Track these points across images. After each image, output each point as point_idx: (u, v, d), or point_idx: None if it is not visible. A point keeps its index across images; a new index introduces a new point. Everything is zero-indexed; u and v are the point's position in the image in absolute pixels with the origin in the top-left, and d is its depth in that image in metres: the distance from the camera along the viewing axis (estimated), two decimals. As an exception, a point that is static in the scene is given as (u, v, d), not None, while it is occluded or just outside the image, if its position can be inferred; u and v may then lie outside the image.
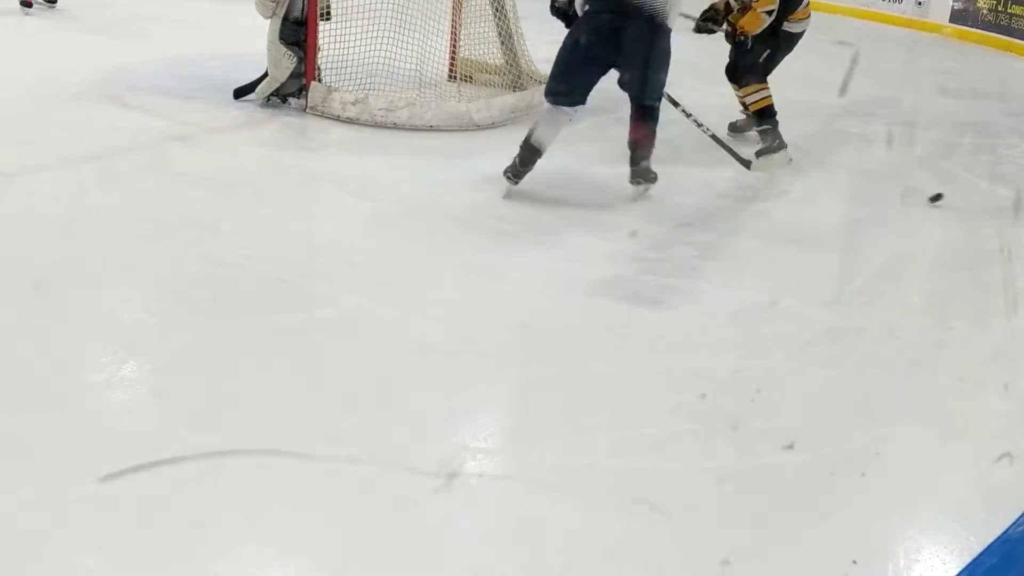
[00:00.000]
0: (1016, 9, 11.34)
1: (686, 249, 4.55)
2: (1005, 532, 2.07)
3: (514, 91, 6.82)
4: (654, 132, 5.13)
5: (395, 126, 6.04)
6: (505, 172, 4.92)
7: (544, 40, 8.34)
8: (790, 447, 2.81)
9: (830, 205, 5.48)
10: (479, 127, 6.23)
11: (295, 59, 6.13)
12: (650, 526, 2.45)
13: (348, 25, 6.53)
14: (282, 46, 6.13)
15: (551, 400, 3.08)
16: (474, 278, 4.01)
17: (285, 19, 6.12)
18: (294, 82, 6.20)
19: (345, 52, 6.41)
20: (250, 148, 5.59)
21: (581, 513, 2.49)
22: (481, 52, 7.05)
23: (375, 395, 3.00)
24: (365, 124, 6.03)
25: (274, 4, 6.11)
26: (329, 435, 2.74)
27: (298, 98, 6.26)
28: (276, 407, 2.88)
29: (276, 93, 6.25)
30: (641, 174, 5.06)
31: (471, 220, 4.66)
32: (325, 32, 6.26)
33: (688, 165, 5.88)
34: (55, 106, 5.96)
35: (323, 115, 6.12)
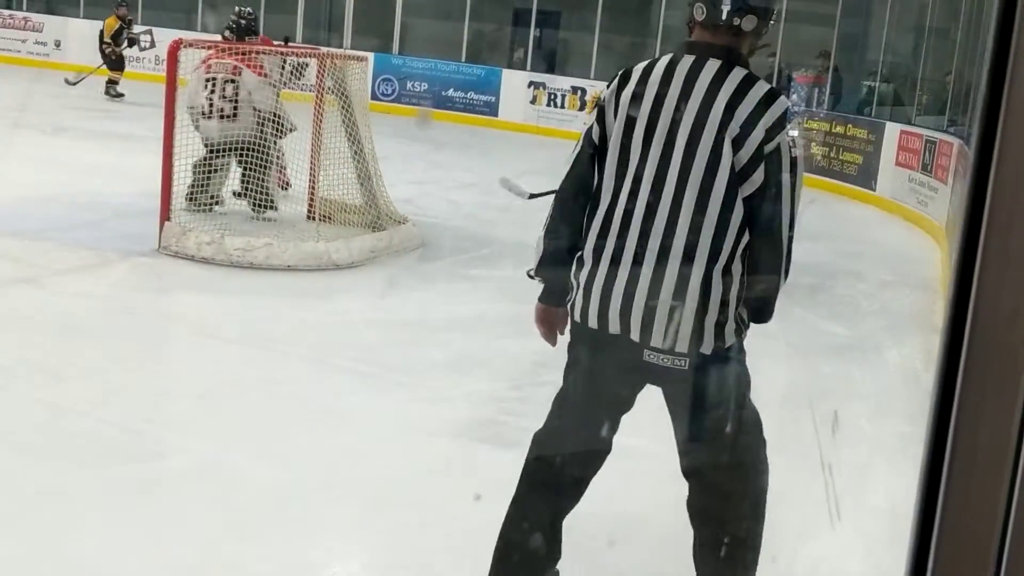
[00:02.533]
0: (847, 156, 12.17)
1: (544, 388, 4.60)
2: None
3: (373, 231, 6.88)
4: None
5: (252, 266, 5.99)
6: None
7: (402, 180, 8.53)
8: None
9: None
10: (338, 267, 6.24)
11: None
12: None
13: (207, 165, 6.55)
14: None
15: (410, 548, 3.03)
16: (333, 422, 3.96)
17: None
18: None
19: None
20: (100, 289, 5.45)
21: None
22: (340, 192, 7.12)
23: (227, 553, 2.90)
24: (221, 264, 5.96)
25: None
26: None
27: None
28: (120, 570, 2.74)
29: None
30: None
31: (332, 361, 4.63)
32: (180, 171, 6.25)
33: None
34: None
35: (177, 255, 6.03)
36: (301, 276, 6.02)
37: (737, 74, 2.28)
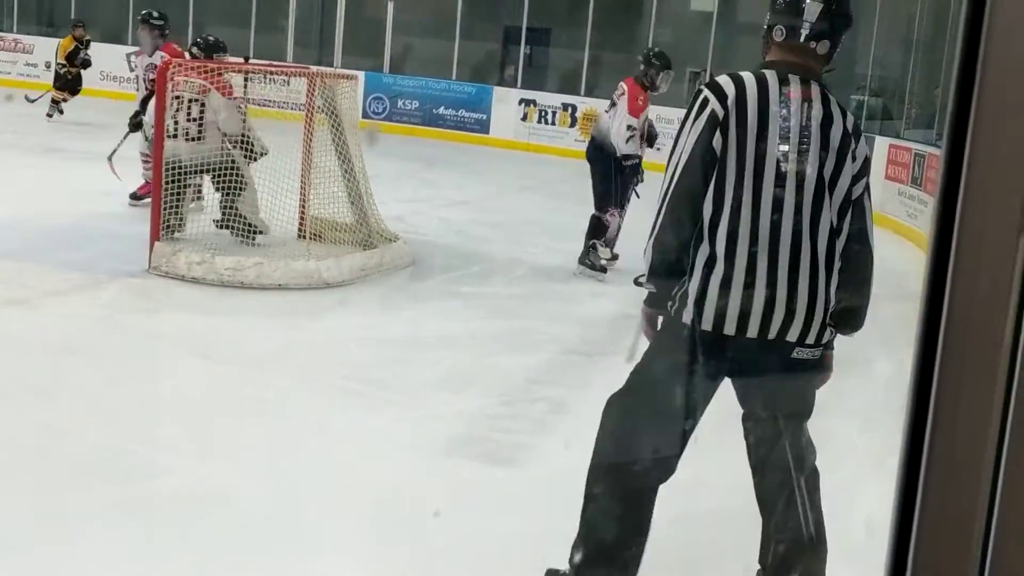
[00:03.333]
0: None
1: (536, 405, 4.61)
2: None
3: (364, 249, 6.89)
4: None
5: (242, 285, 5.99)
6: None
7: (393, 198, 8.55)
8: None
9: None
10: (329, 285, 6.24)
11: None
12: None
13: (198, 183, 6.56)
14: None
15: (403, 566, 3.03)
16: (325, 441, 3.95)
17: None
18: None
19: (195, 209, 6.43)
20: (91, 310, 5.44)
21: None
22: (331, 211, 7.13)
23: (220, 572, 2.89)
24: (211, 284, 5.96)
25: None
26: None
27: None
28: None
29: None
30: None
31: (323, 380, 4.63)
32: (170, 191, 6.26)
33: (533, 319, 6.01)
34: None
35: (167, 275, 6.03)
36: (292, 295, 6.02)
37: (824, 93, 2.53)
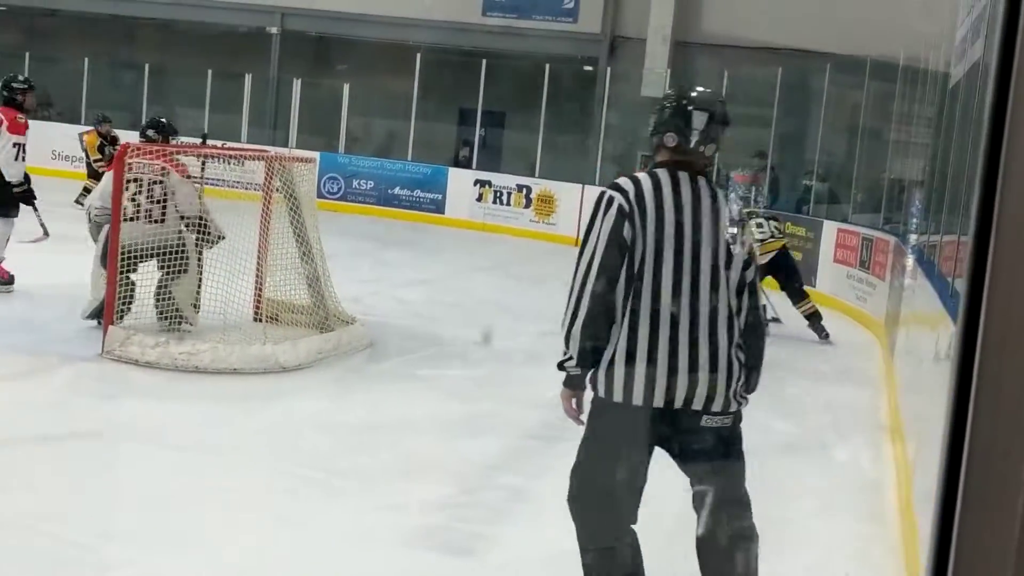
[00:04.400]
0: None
1: (496, 493, 4.58)
2: None
3: (321, 332, 6.84)
4: None
5: (197, 370, 5.91)
6: None
7: (350, 278, 8.54)
8: None
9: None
10: (285, 369, 6.18)
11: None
12: None
13: (150, 266, 6.49)
14: (101, 268, 6.26)
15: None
16: (283, 533, 3.89)
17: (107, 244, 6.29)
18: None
19: (146, 294, 6.36)
20: (41, 395, 5.35)
21: None
22: (287, 293, 7.10)
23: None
24: (166, 368, 5.88)
25: (98, 228, 6.38)
26: None
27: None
28: None
29: (97, 314, 6.34)
30: None
31: (280, 468, 4.56)
32: (124, 274, 6.21)
33: (492, 402, 6.00)
34: None
35: (120, 359, 5.94)
36: (248, 379, 5.95)
37: (712, 188, 2.86)
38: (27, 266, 8.09)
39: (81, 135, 14.05)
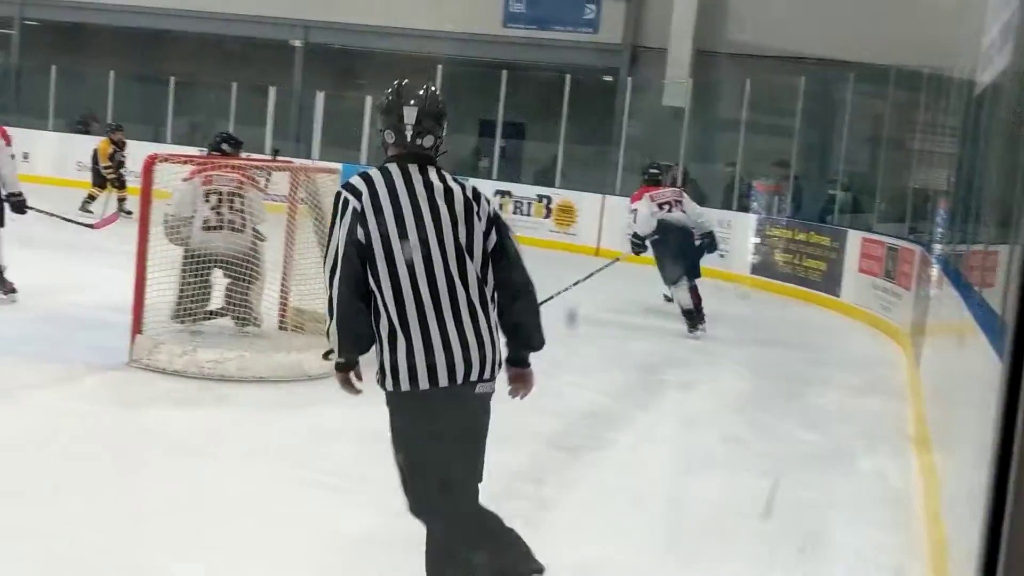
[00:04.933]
0: (810, 263, 12.38)
1: (520, 503, 4.57)
2: None
3: (345, 341, 6.87)
4: None
5: (224, 378, 5.95)
6: None
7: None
8: None
9: (654, 458, 5.63)
10: (311, 377, 6.21)
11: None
12: None
13: (174, 276, 6.55)
14: (183, 274, 6.67)
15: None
16: (311, 540, 3.90)
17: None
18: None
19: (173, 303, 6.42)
20: (69, 404, 5.39)
21: None
22: (312, 302, 7.14)
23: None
24: (193, 377, 5.92)
25: (176, 235, 6.70)
26: None
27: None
28: None
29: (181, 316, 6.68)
30: None
31: (306, 475, 4.58)
32: (153, 283, 6.25)
33: (513, 413, 5.98)
34: None
35: (148, 368, 5.99)
36: (274, 388, 5.98)
37: (440, 173, 3.05)
38: (61, 279, 8.18)
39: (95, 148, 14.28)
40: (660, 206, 9.10)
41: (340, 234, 2.92)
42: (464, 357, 2.93)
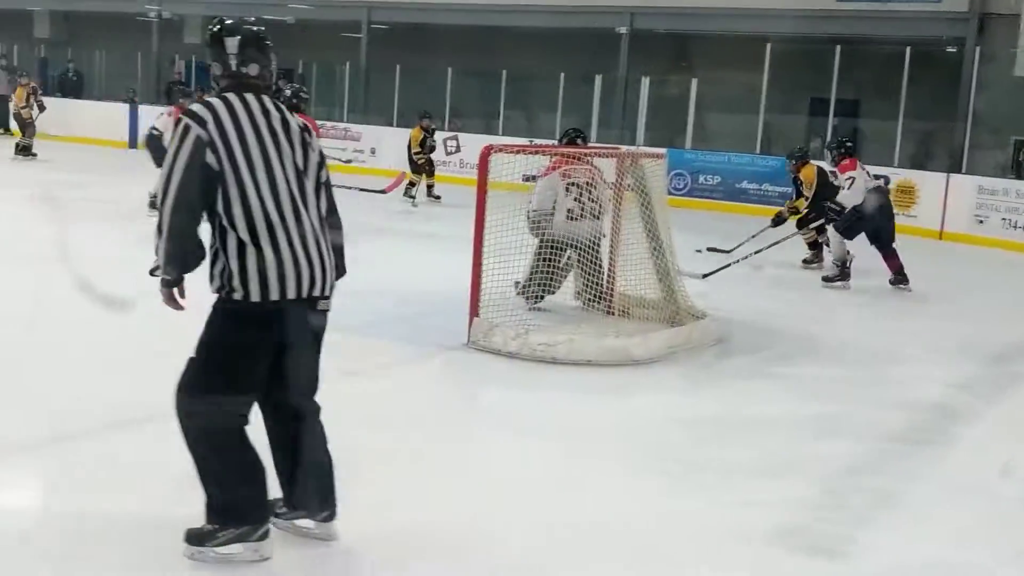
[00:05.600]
0: None
1: (860, 496, 4.37)
2: None
3: (672, 326, 6.87)
4: None
5: (554, 361, 6.11)
6: None
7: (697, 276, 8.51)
8: None
9: (1007, 451, 5.17)
10: (637, 362, 6.25)
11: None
12: None
13: (509, 263, 6.79)
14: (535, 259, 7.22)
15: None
16: (634, 520, 3.90)
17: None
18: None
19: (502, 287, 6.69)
20: (416, 381, 5.79)
21: None
22: (638, 288, 7.20)
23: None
24: (525, 359, 6.12)
25: (537, 228, 7.23)
26: None
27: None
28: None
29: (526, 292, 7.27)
30: None
31: (632, 458, 4.62)
32: (488, 269, 6.52)
33: (850, 403, 5.73)
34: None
35: (484, 350, 6.26)
36: (601, 371, 6.06)
37: (276, 103, 3.22)
38: (410, 265, 8.73)
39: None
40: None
41: (180, 160, 3.04)
42: (310, 274, 3.14)
